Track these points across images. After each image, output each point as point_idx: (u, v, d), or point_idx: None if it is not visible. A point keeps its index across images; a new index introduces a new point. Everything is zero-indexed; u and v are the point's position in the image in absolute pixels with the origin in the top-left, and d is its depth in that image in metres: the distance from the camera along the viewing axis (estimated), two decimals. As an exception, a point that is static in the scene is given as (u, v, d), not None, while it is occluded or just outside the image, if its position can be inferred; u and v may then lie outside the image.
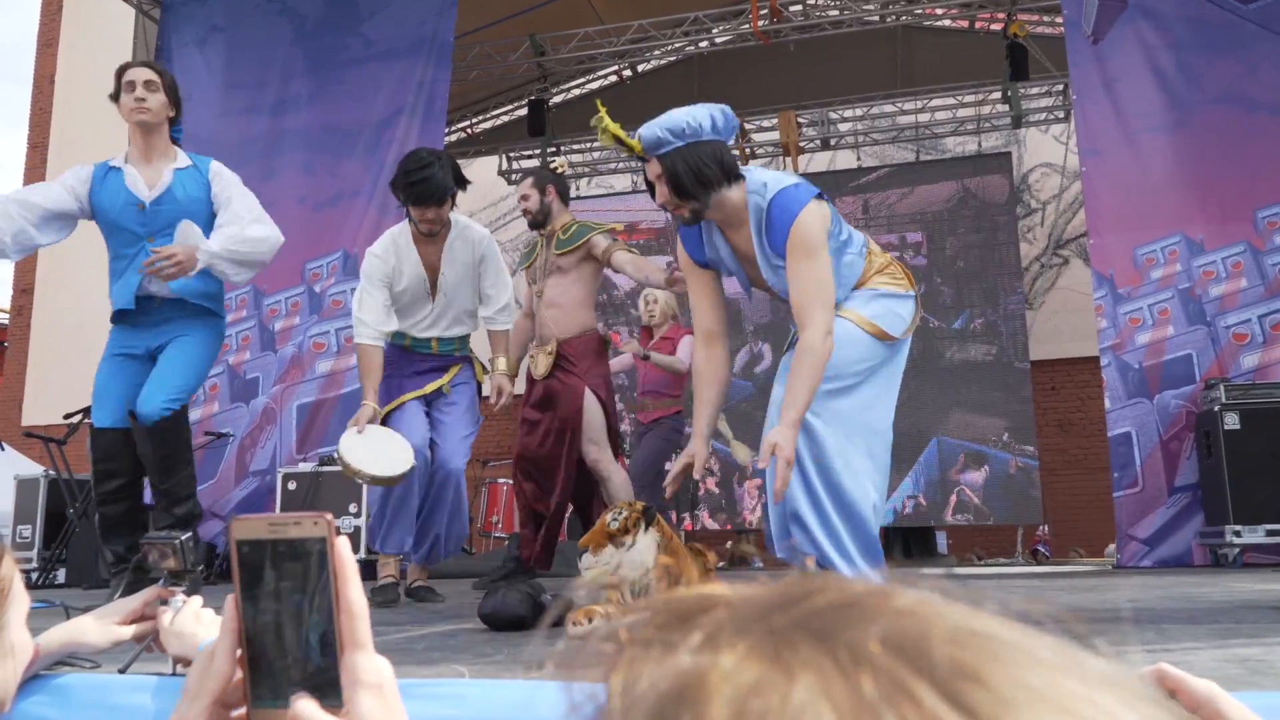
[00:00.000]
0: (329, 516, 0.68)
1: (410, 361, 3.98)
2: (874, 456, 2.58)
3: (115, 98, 3.48)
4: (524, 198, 4.17)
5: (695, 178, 2.58)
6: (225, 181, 3.51)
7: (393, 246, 3.86)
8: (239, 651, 0.68)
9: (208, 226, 3.39)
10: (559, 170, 4.32)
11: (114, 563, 3.44)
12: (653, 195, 2.71)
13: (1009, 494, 8.13)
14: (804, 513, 2.50)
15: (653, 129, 2.66)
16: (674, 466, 2.64)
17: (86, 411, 6.19)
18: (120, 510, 3.40)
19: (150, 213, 3.39)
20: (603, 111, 2.76)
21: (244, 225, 3.39)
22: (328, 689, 0.65)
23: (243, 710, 1.42)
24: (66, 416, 6.14)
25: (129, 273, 3.38)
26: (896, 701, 0.27)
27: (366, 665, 0.64)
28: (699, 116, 2.65)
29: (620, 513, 2.19)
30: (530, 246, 4.44)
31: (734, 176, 2.64)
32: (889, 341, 2.66)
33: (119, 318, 3.47)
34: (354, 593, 0.66)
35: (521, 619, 2.35)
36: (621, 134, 2.70)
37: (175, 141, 3.58)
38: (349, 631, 0.65)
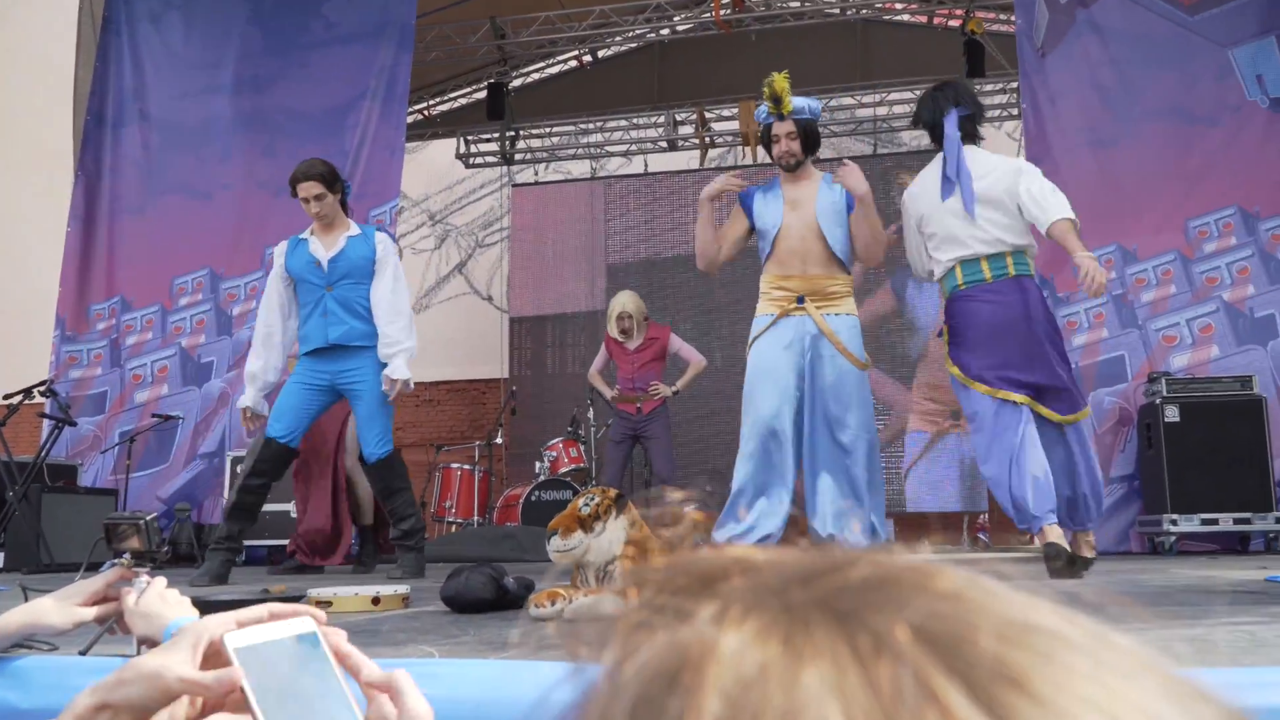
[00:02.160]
0: (315, 612, 0.73)
1: None
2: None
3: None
4: None
5: (815, 141, 3.82)
6: (386, 249, 4.34)
7: None
8: None
9: (368, 277, 4.26)
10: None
11: (221, 538, 4.09)
12: (767, 148, 3.84)
13: (956, 481, 8.29)
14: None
15: (806, 102, 3.81)
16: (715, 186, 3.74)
17: (27, 391, 6.06)
18: (252, 500, 4.13)
19: (330, 267, 4.22)
20: (782, 75, 3.74)
21: (399, 341, 4.24)
22: None
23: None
24: (5, 397, 5.99)
25: (315, 317, 4.20)
26: (919, 705, 0.23)
27: (416, 706, 0.70)
28: (815, 107, 3.87)
29: (593, 499, 2.20)
30: None
31: None
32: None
33: (309, 353, 4.25)
34: (370, 670, 0.72)
35: (484, 601, 2.36)
36: (787, 88, 3.70)
37: (348, 210, 4.40)
38: (397, 685, 0.70)
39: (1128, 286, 5.97)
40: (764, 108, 3.82)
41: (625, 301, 6.11)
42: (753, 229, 3.83)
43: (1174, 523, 5.18)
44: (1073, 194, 5.94)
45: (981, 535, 8.51)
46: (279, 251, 4.37)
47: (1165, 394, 5.36)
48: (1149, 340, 5.89)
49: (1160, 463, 5.27)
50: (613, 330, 6.16)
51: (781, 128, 3.75)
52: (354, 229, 4.35)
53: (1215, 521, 5.16)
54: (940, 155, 3.68)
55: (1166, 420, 5.29)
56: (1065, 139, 6.11)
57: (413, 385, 4.29)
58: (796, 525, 3.49)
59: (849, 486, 3.55)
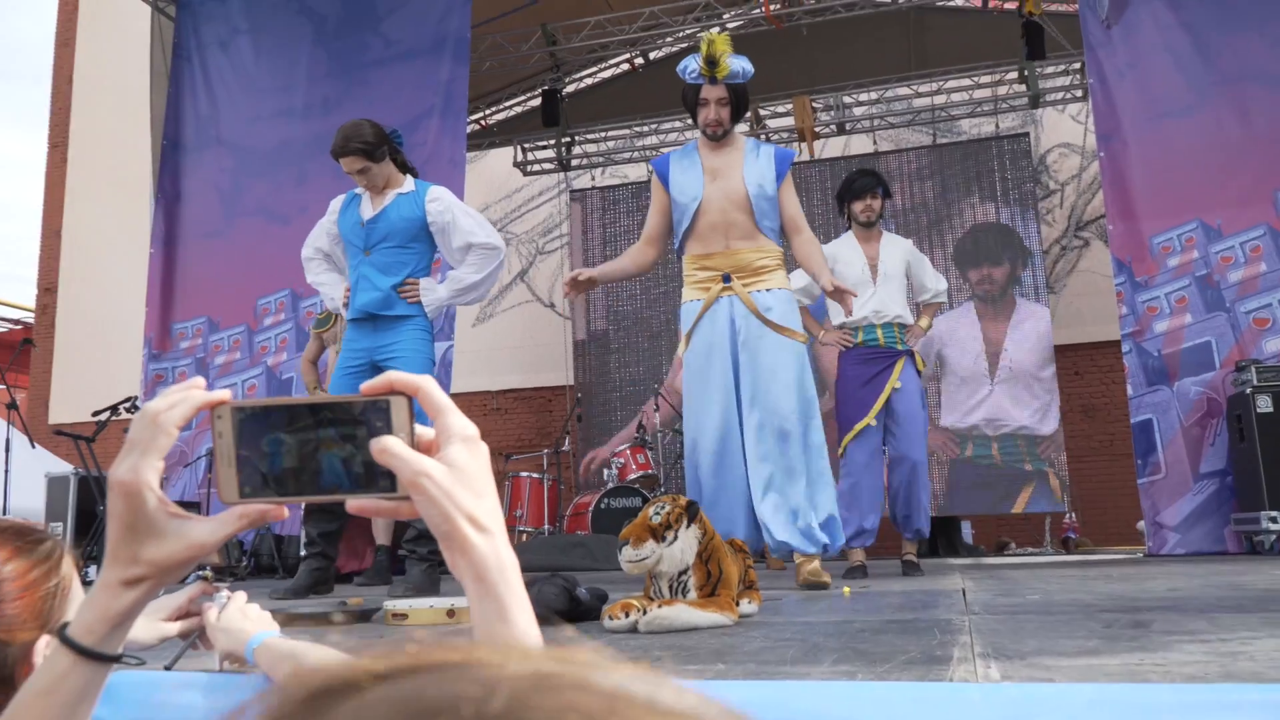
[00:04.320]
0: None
1: None
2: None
3: None
4: None
5: (744, 107, 3.61)
6: (444, 205, 3.93)
7: None
8: (216, 442, 0.68)
9: (417, 240, 3.91)
10: None
11: (308, 543, 3.90)
12: (691, 113, 3.58)
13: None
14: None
15: (740, 63, 3.49)
16: (567, 277, 3.64)
17: (114, 409, 6.26)
18: None
19: (367, 229, 3.89)
20: (723, 36, 3.51)
21: (466, 273, 3.90)
22: (370, 483, 0.66)
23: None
24: (95, 414, 6.20)
25: (355, 284, 3.91)
26: None
27: (459, 421, 0.67)
28: (749, 69, 3.55)
29: (663, 507, 2.18)
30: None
31: None
32: None
33: (350, 324, 3.96)
34: (419, 380, 0.68)
35: (558, 613, 2.37)
36: (727, 51, 3.45)
37: (407, 166, 4.06)
38: (432, 399, 0.67)
39: (1212, 266, 5.64)
40: (694, 65, 3.52)
41: None
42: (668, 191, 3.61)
43: (1274, 520, 4.95)
44: (1147, 169, 5.84)
45: (1071, 535, 8.30)
46: (335, 204, 4.09)
47: (1256, 383, 5.13)
48: (1238, 324, 5.57)
49: (1255, 456, 5.05)
50: None
51: (712, 92, 3.50)
52: (407, 185, 3.97)
53: (1318, 516, 4.94)
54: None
55: (1259, 411, 5.07)
56: (1137, 112, 5.84)
57: (432, 313, 3.93)
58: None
59: (790, 481, 3.34)
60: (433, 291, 3.91)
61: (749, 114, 9.33)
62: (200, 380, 0.70)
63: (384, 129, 3.95)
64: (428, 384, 0.67)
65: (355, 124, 3.91)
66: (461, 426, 0.67)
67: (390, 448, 0.64)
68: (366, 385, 0.67)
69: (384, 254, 3.86)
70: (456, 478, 0.64)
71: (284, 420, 0.67)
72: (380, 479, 0.66)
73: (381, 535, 4.81)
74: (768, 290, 3.47)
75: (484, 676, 0.28)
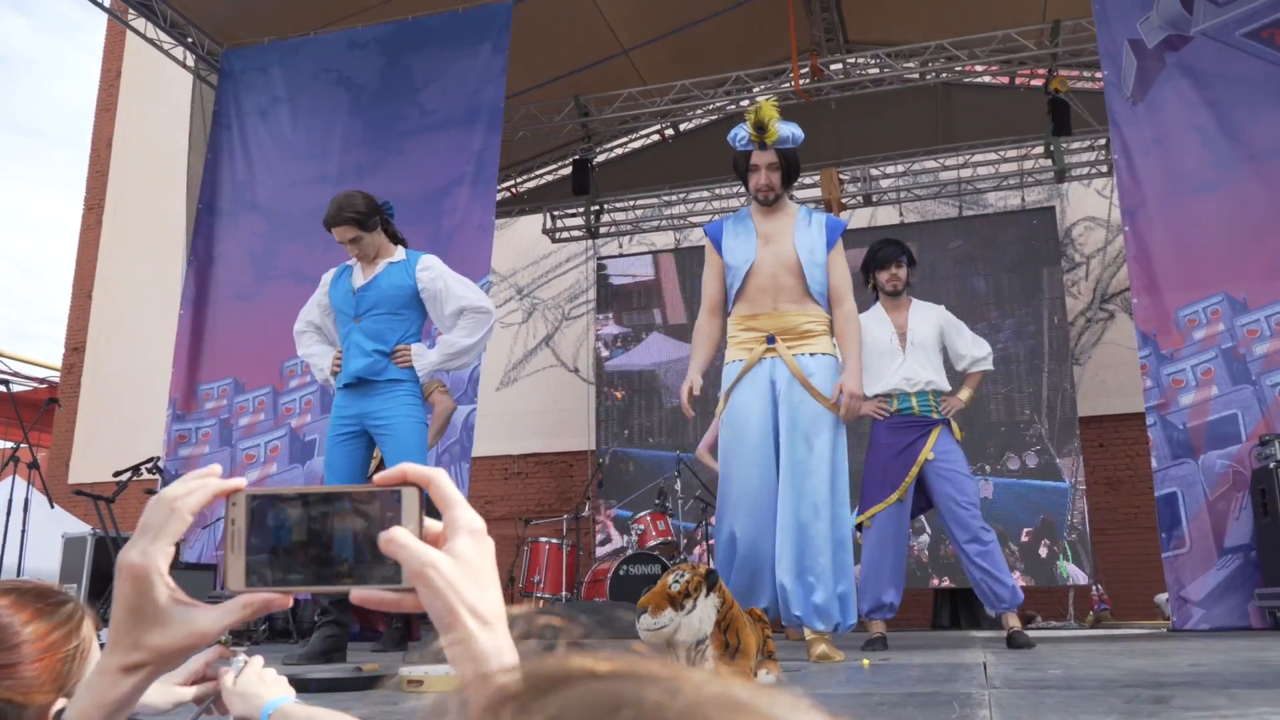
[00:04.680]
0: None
1: None
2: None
3: None
4: None
5: (795, 172, 3.62)
6: (436, 274, 3.99)
7: None
8: (228, 530, 0.68)
9: (407, 308, 3.96)
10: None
11: (320, 612, 3.90)
12: (743, 179, 3.59)
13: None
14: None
15: (789, 129, 3.51)
16: (682, 393, 3.55)
17: (135, 469, 6.30)
18: None
19: (358, 296, 3.96)
20: (769, 102, 3.52)
21: (457, 337, 3.94)
22: (376, 574, 0.66)
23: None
24: (116, 474, 6.23)
25: (346, 350, 3.97)
26: None
27: (467, 515, 0.67)
28: (798, 134, 3.56)
29: (683, 575, 2.17)
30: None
31: None
32: None
33: (340, 390, 4.02)
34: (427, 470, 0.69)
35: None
36: (775, 117, 3.47)
37: (398, 238, 4.13)
38: (442, 492, 0.68)
39: (1238, 339, 5.61)
40: (743, 133, 3.55)
41: None
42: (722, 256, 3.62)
43: (1299, 595, 4.87)
44: (1173, 242, 5.85)
45: (1101, 606, 8.13)
46: (326, 278, 4.18)
47: (1280, 457, 5.08)
48: (1264, 397, 5.51)
49: (1279, 530, 4.98)
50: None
51: (762, 158, 3.53)
52: (398, 255, 4.05)
53: (1344, 593, 4.84)
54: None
55: (1283, 485, 5.01)
56: (1162, 186, 5.85)
57: (424, 377, 3.97)
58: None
59: (813, 555, 3.28)
60: (424, 356, 3.95)
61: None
62: (217, 468, 0.72)
63: (375, 200, 4.04)
64: (439, 477, 0.69)
65: (348, 195, 4.02)
66: (469, 520, 0.68)
67: (398, 538, 0.65)
68: (380, 477, 0.69)
69: (374, 320, 3.92)
70: (462, 570, 0.65)
71: (296, 508, 0.68)
72: (387, 569, 0.66)
73: None
74: (811, 355, 3.44)
75: (676, 687, 0.33)
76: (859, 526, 4.28)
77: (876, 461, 4.33)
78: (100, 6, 7.54)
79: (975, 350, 4.57)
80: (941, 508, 4.26)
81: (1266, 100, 5.81)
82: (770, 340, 3.44)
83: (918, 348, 4.40)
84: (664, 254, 9.87)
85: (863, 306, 4.56)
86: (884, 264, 4.51)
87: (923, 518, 7.22)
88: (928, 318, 4.52)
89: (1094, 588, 8.19)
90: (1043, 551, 7.97)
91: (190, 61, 7.91)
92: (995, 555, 4.19)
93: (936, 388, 4.38)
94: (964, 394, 4.52)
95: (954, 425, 4.41)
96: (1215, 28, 5.98)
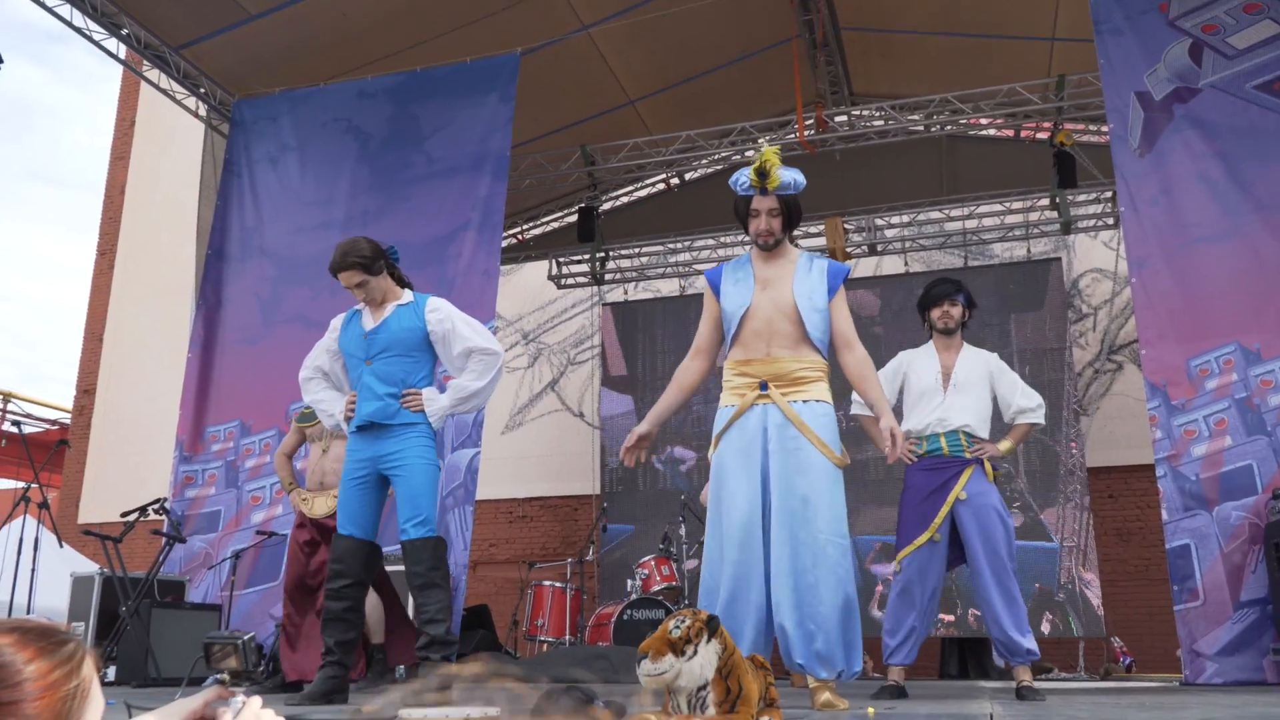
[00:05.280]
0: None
1: None
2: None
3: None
4: None
5: (796, 218, 3.55)
6: (443, 315, 4.03)
7: None
8: None
9: (418, 350, 3.99)
10: None
11: (325, 652, 3.85)
12: (743, 224, 3.55)
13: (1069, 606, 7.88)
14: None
15: (791, 175, 3.48)
16: (626, 442, 3.50)
17: (142, 510, 6.30)
18: (340, 607, 3.83)
19: (369, 340, 3.98)
20: (773, 149, 3.50)
21: (467, 381, 3.97)
22: None
23: None
24: (123, 514, 6.23)
25: (358, 395, 3.97)
26: None
27: None
28: (800, 180, 3.51)
29: (684, 620, 2.15)
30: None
31: None
32: None
33: (353, 434, 4.01)
34: None
35: (574, 726, 2.32)
36: (777, 163, 3.46)
37: (404, 281, 4.15)
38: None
39: (1252, 389, 5.54)
40: (745, 178, 3.50)
41: None
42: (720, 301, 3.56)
43: (1313, 650, 4.80)
44: (1182, 293, 5.83)
45: (1126, 660, 8.00)
46: (335, 323, 4.19)
47: (1294, 509, 5.02)
48: (1279, 448, 5.48)
49: (1293, 584, 4.92)
50: None
51: (763, 203, 3.47)
52: (406, 297, 4.08)
53: (1360, 648, 4.77)
54: None
55: (1297, 538, 4.95)
56: (1170, 237, 5.83)
57: (436, 423, 3.95)
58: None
59: (813, 601, 3.18)
60: (435, 401, 3.95)
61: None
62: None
63: (380, 245, 4.07)
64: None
65: (352, 241, 4.05)
66: None
67: None
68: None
69: (386, 363, 3.94)
70: None
71: None
72: None
73: (375, 635, 4.93)
74: (804, 402, 3.36)
75: None
76: (899, 569, 4.25)
77: (910, 504, 4.28)
78: (116, 59, 7.68)
79: (1024, 401, 4.45)
80: (968, 548, 4.20)
81: (1273, 153, 5.83)
82: (764, 387, 3.38)
83: (960, 391, 4.35)
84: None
85: (918, 343, 4.57)
86: (937, 301, 4.49)
87: None
88: (976, 362, 4.46)
89: (1114, 641, 8.08)
90: (1045, 628, 7.86)
91: (202, 111, 8.04)
92: (1017, 607, 4.13)
93: (970, 431, 4.31)
94: (1004, 444, 4.41)
95: (987, 465, 4.31)
96: (1225, 80, 6.02)
